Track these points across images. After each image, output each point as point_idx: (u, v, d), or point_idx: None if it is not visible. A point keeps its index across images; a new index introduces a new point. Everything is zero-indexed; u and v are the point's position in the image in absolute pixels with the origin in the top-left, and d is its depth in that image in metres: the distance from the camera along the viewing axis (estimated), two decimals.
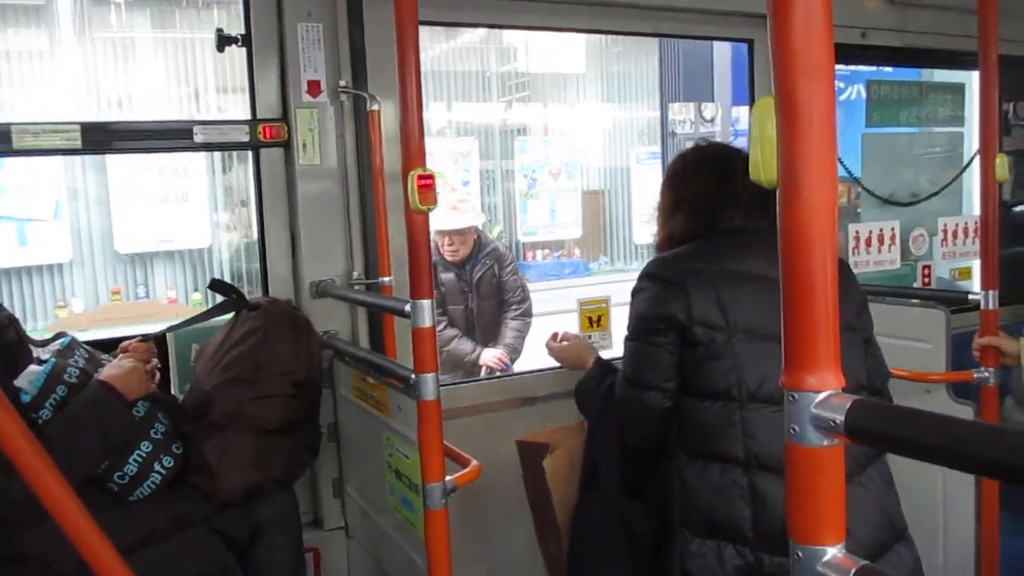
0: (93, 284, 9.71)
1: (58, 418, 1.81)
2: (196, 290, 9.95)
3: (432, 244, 3.49)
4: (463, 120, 12.37)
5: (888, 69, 3.69)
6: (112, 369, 1.92)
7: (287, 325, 2.20)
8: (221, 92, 9.49)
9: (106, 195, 9.35)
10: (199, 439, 2.03)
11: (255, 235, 2.58)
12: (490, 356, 3.72)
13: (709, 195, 1.76)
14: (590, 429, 1.97)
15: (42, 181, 8.71)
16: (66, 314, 9.39)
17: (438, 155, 11.00)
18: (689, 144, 1.95)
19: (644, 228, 13.26)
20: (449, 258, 3.74)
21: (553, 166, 12.60)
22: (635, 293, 1.74)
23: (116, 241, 9.52)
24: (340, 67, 2.47)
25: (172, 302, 9.54)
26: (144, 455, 1.94)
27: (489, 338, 3.83)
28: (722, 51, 8.26)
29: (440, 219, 3.68)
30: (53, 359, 1.90)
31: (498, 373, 3.65)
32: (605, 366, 1.97)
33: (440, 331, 3.66)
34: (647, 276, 1.71)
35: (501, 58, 12.77)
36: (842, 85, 3.55)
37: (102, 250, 9.65)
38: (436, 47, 11.98)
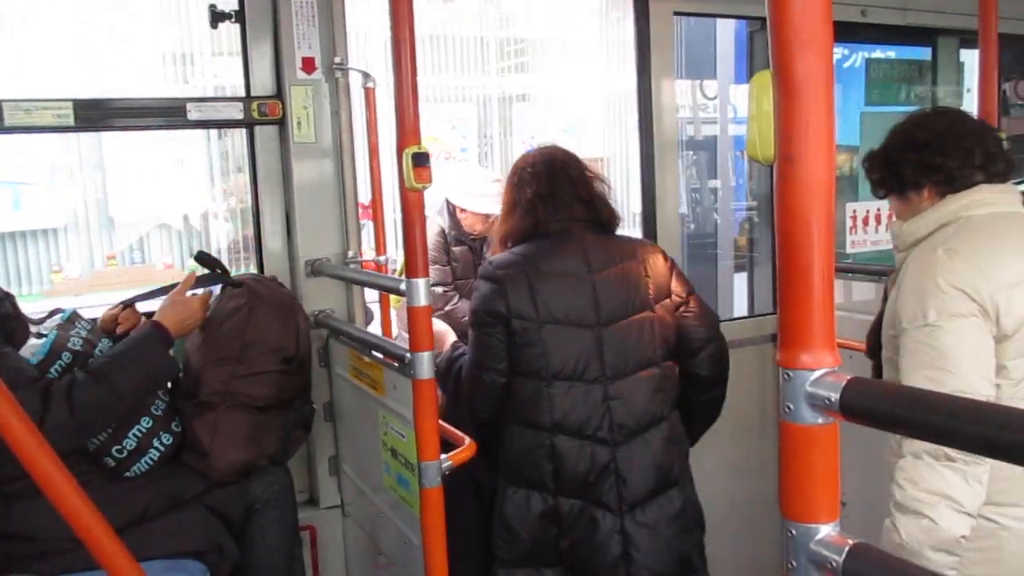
0: (88, 249, 9.66)
1: (105, 355, 1.86)
2: (192, 256, 9.90)
3: (446, 218, 3.56)
4: (460, 85, 12.23)
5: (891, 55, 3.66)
6: (165, 307, 2.00)
7: (272, 301, 2.18)
8: (216, 56, 9.37)
9: (101, 159, 9.28)
10: (191, 418, 2.03)
11: (251, 202, 2.57)
12: None
13: (539, 200, 2.03)
14: (448, 403, 2.24)
15: (36, 145, 8.61)
16: (61, 279, 9.34)
17: (435, 122, 10.91)
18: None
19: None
20: (486, 234, 3.78)
21: (552, 132, 12.50)
22: (474, 290, 2.05)
23: (111, 206, 9.46)
24: (335, 44, 2.45)
25: (168, 267, 9.48)
26: (144, 431, 1.94)
27: None
28: (725, 27, 8.15)
29: (486, 204, 3.71)
30: (55, 331, 1.92)
31: None
32: (457, 347, 2.19)
33: (456, 304, 3.67)
34: (482, 277, 2.02)
35: (500, 22, 12.60)
36: (846, 52, 3.52)
37: (97, 215, 9.60)
38: (434, 11, 11.81)
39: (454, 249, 3.70)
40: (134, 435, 1.92)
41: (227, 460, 2.02)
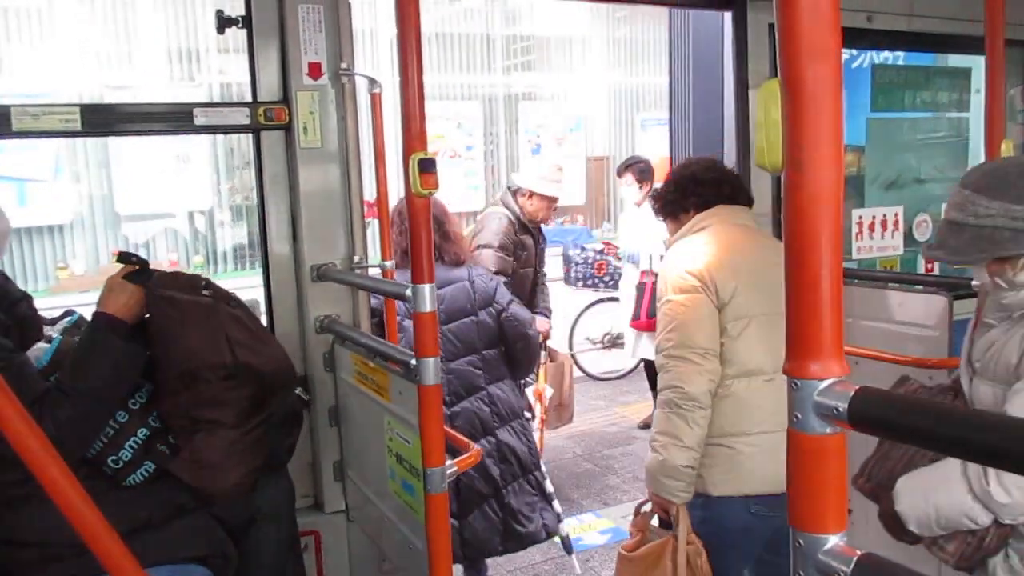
0: (94, 246, 9.65)
1: (65, 366, 1.81)
2: (197, 253, 9.89)
3: (513, 207, 3.70)
4: (467, 84, 12.20)
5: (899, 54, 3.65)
6: (103, 296, 1.89)
7: (188, 316, 1.97)
8: (222, 52, 9.35)
9: (106, 156, 9.26)
10: (168, 460, 1.96)
11: (257, 207, 2.57)
12: (543, 324, 3.93)
13: (439, 236, 2.87)
14: None
15: (42, 142, 8.61)
16: (67, 275, 9.33)
17: (440, 120, 10.90)
18: None
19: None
20: (547, 220, 3.97)
21: (558, 131, 12.50)
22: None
23: (117, 203, 9.45)
24: (341, 49, 2.46)
25: (173, 264, 9.44)
26: (140, 441, 1.92)
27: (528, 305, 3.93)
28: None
29: (554, 188, 3.90)
30: (59, 336, 1.91)
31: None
32: None
33: None
34: None
35: (505, 20, 12.56)
36: (854, 52, 3.52)
37: (103, 211, 9.59)
38: (440, 9, 11.81)
39: (522, 237, 3.79)
40: (130, 446, 1.90)
41: (217, 486, 1.94)
